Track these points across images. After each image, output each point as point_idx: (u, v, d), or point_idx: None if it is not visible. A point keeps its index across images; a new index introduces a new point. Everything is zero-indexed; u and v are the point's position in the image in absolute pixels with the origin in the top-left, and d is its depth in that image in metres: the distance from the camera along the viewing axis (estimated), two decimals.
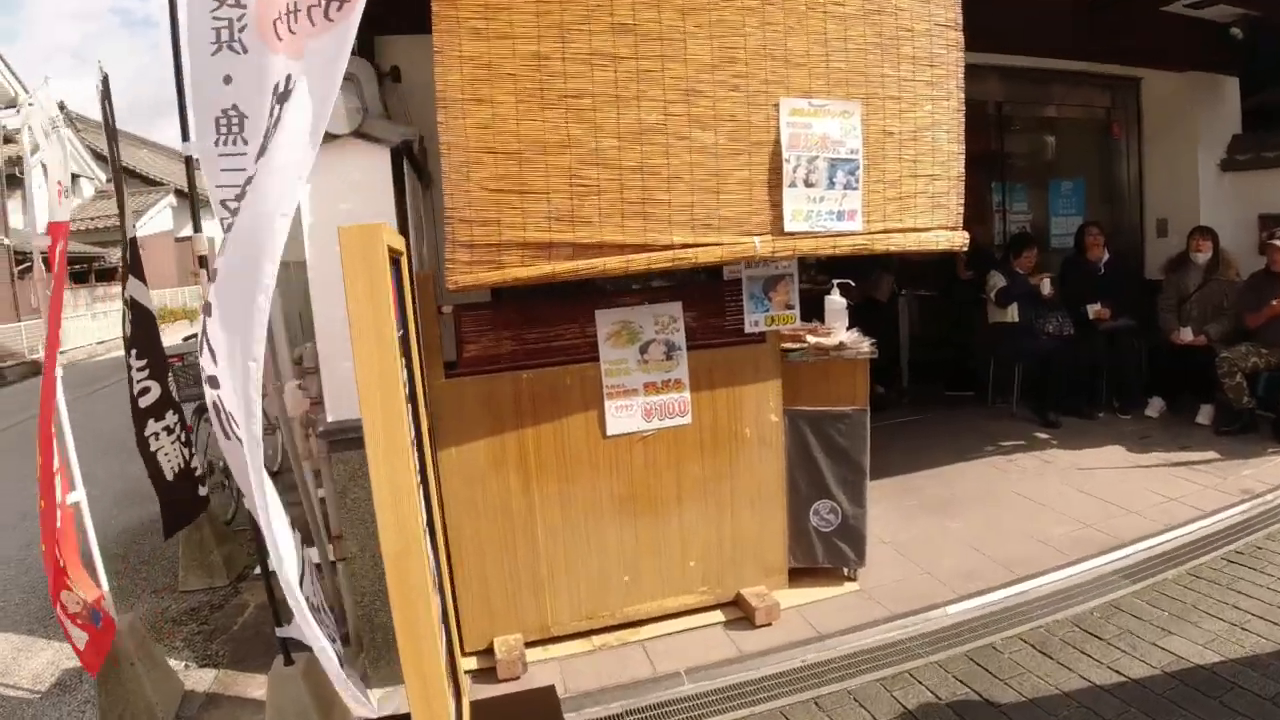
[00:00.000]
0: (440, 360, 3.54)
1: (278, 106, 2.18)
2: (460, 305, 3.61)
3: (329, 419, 3.39)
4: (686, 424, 3.79)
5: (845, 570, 4.15)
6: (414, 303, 2.97)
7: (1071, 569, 4.07)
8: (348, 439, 3.34)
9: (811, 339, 3.99)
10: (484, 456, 3.59)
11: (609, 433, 3.70)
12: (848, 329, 4.12)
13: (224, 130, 2.43)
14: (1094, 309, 6.70)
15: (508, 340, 3.64)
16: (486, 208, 3.06)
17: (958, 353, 7.85)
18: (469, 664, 3.56)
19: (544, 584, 3.69)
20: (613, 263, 3.19)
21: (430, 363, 3.51)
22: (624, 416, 3.70)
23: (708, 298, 3.87)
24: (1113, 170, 8.00)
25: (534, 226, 3.11)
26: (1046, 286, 6.75)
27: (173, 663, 3.81)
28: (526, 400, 3.60)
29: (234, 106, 2.40)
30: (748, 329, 3.85)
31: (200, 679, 3.78)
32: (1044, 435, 6.34)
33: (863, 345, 3.96)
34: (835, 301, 4.16)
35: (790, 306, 3.87)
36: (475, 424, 3.56)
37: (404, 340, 2.39)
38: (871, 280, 7.17)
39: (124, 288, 4.02)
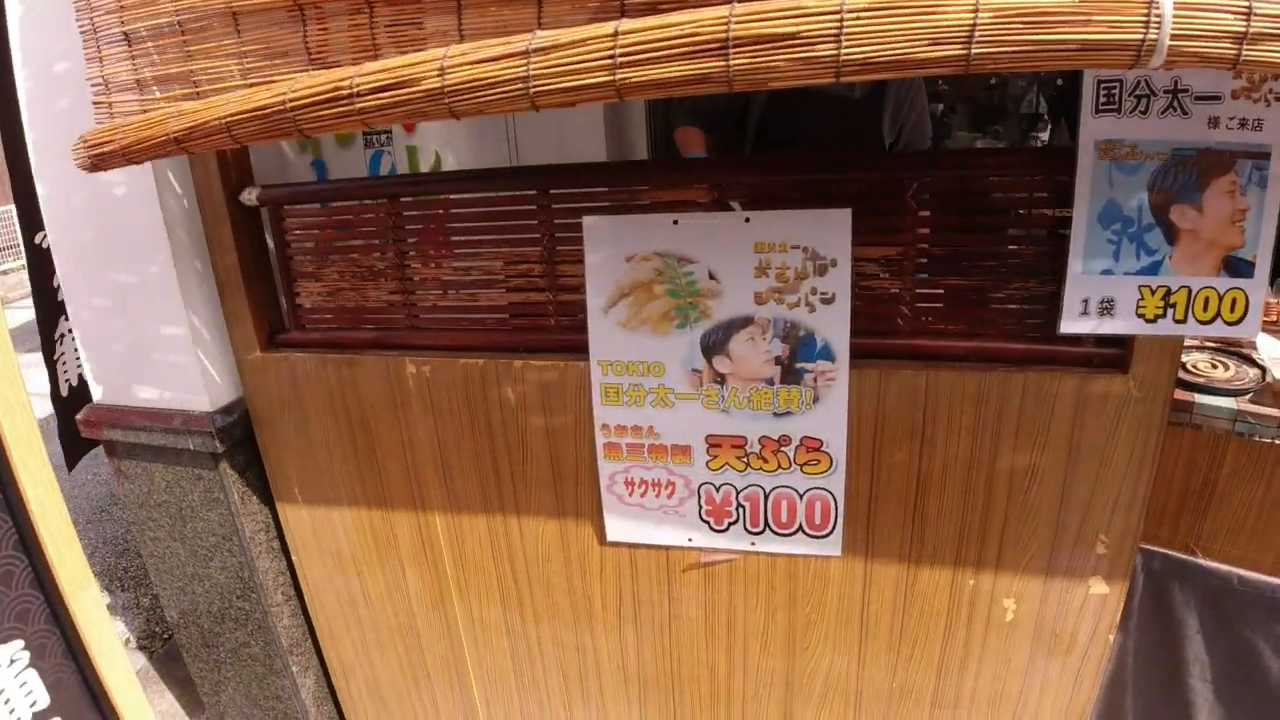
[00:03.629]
0: (255, 312, 1.54)
1: None
2: (283, 191, 1.52)
3: None
4: (828, 555, 1.37)
5: None
6: None
7: None
8: None
9: None
10: (348, 521, 1.62)
11: (610, 537, 1.44)
12: None
13: None
14: None
15: (385, 277, 1.47)
16: None
17: None
18: None
19: None
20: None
21: (233, 315, 1.54)
22: (648, 508, 1.41)
23: (945, 202, 1.25)
24: None
25: None
26: None
27: None
28: (423, 416, 1.48)
29: None
30: (1067, 325, 1.19)
31: None
32: None
33: None
34: None
35: (1242, 264, 1.12)
36: (326, 449, 1.57)
37: None
38: None
39: None
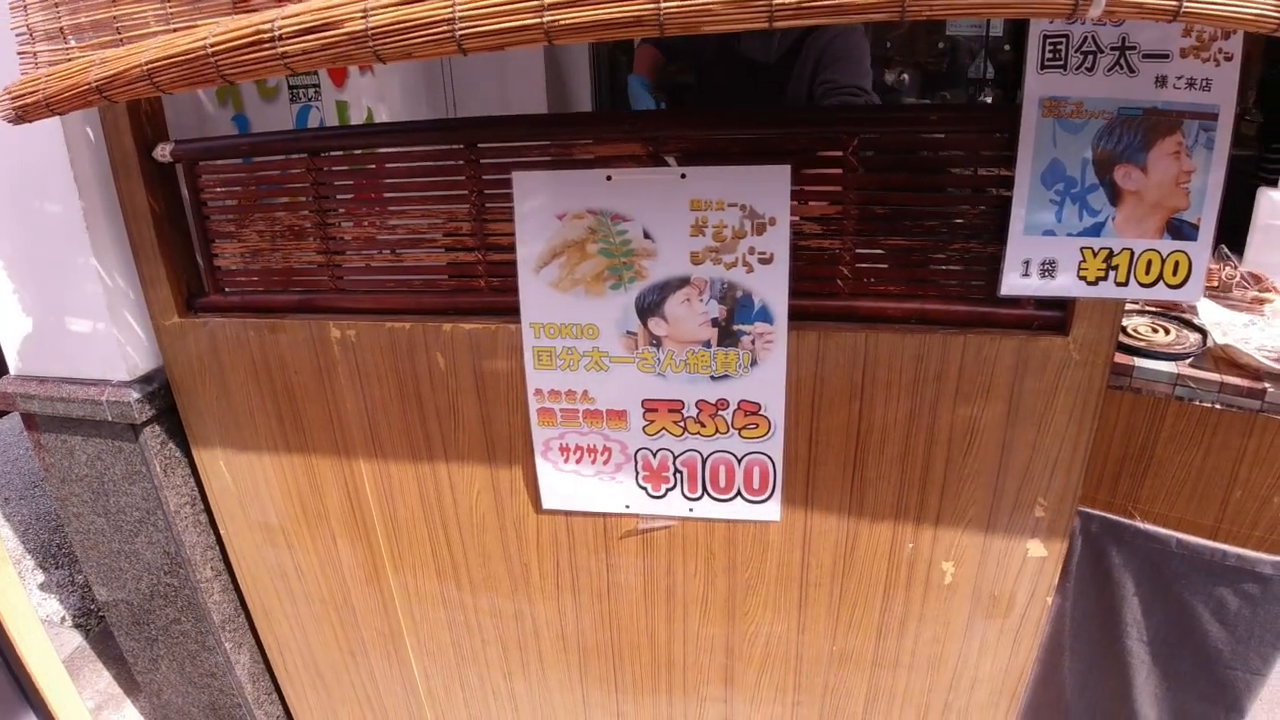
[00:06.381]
0: (172, 276, 1.46)
1: None
2: (197, 146, 1.43)
3: None
4: (767, 520, 1.35)
5: None
6: None
7: None
8: None
9: (1228, 340, 1.21)
10: (275, 493, 1.55)
11: (545, 504, 1.40)
12: None
13: None
14: None
15: (306, 237, 1.40)
16: None
17: None
18: None
19: None
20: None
21: (148, 279, 1.46)
22: (584, 475, 1.37)
23: (886, 159, 1.21)
24: None
25: None
26: None
27: None
28: (349, 382, 1.42)
29: None
30: (1008, 286, 1.17)
31: None
32: None
33: None
34: None
35: (1186, 227, 1.11)
36: (250, 418, 1.51)
37: None
38: None
39: None
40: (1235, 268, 1.59)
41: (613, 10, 0.81)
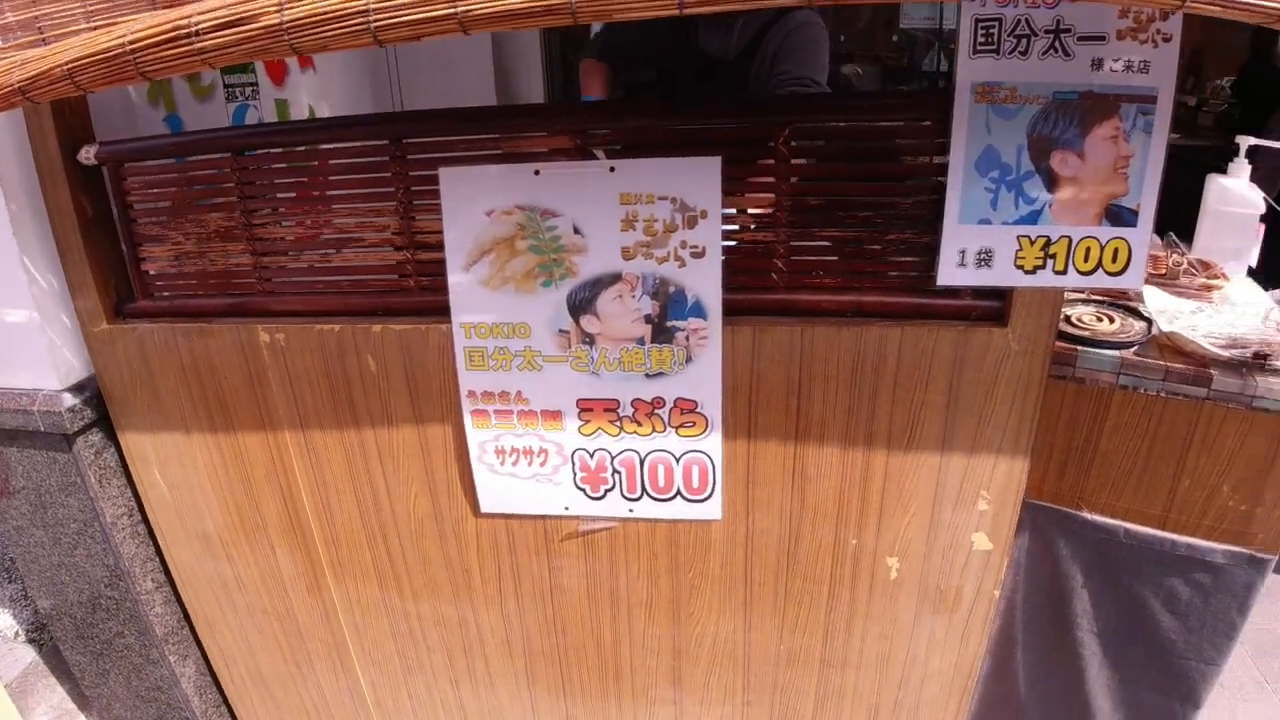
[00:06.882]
0: (100, 282, 1.41)
1: None
2: (123, 147, 1.39)
3: None
4: (709, 519, 1.32)
5: None
6: None
7: None
8: None
9: (1174, 328, 1.20)
10: (212, 502, 1.51)
11: (484, 508, 1.37)
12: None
13: None
14: None
15: (233, 239, 1.36)
16: None
17: None
18: None
19: None
20: None
21: (76, 285, 1.42)
22: (521, 477, 1.33)
23: (819, 149, 1.19)
24: None
25: None
26: None
27: None
28: (281, 387, 1.38)
29: None
30: (944, 277, 1.15)
31: None
32: None
33: None
34: (1244, 196, 1.28)
35: (1125, 213, 1.09)
36: (183, 425, 1.46)
37: None
38: None
39: None
40: (1183, 254, 1.58)
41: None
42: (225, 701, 1.79)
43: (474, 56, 2.57)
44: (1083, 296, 1.49)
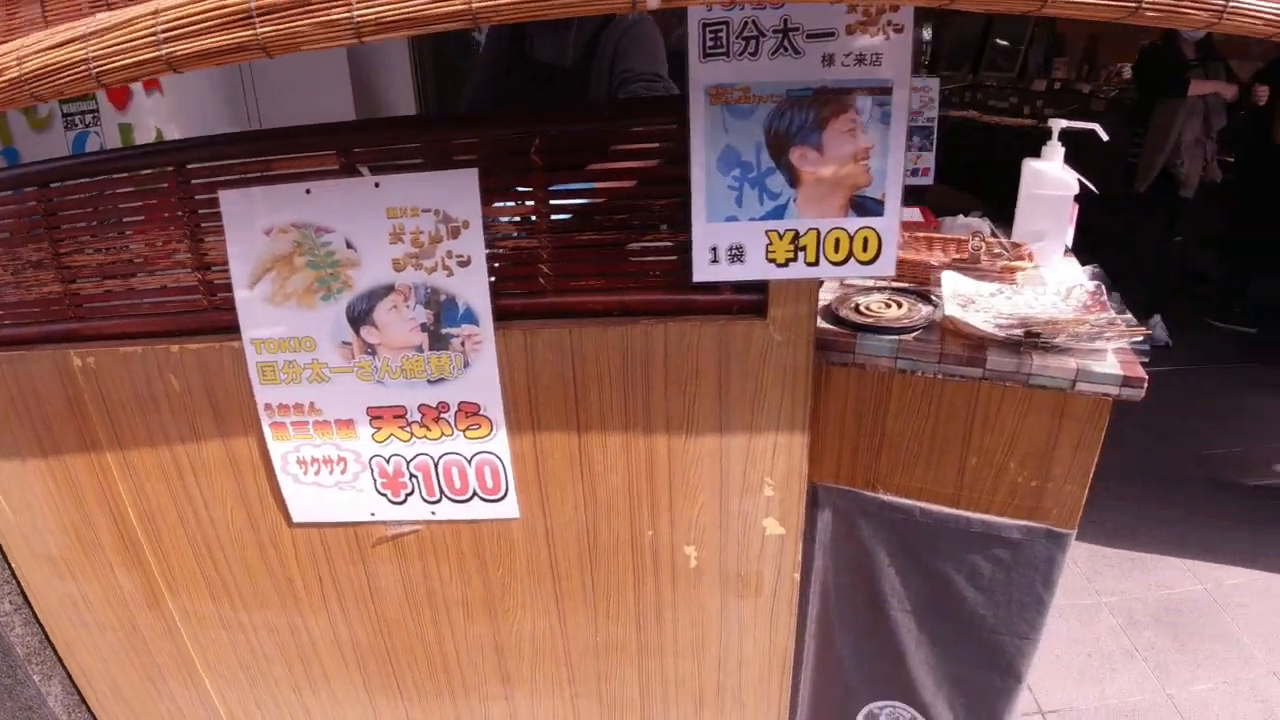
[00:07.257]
0: None
1: None
2: None
3: None
4: (508, 518, 1.37)
5: None
6: None
7: None
8: None
9: (955, 312, 1.24)
10: (51, 525, 1.55)
11: (295, 518, 1.42)
12: (1094, 278, 1.31)
13: None
14: None
15: (40, 267, 1.40)
16: None
17: None
18: None
19: None
20: None
21: None
22: (325, 486, 1.38)
23: (570, 157, 1.24)
24: None
25: None
26: None
27: None
28: (97, 410, 1.42)
29: None
30: (699, 274, 1.20)
31: None
32: None
33: (1118, 343, 1.14)
34: (1057, 179, 1.31)
35: (870, 203, 1.15)
36: (16, 450, 1.50)
37: None
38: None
39: None
40: (983, 239, 1.63)
41: (221, 38, 0.88)
42: (94, 718, 1.82)
43: (331, 71, 2.59)
44: (874, 284, 1.54)
